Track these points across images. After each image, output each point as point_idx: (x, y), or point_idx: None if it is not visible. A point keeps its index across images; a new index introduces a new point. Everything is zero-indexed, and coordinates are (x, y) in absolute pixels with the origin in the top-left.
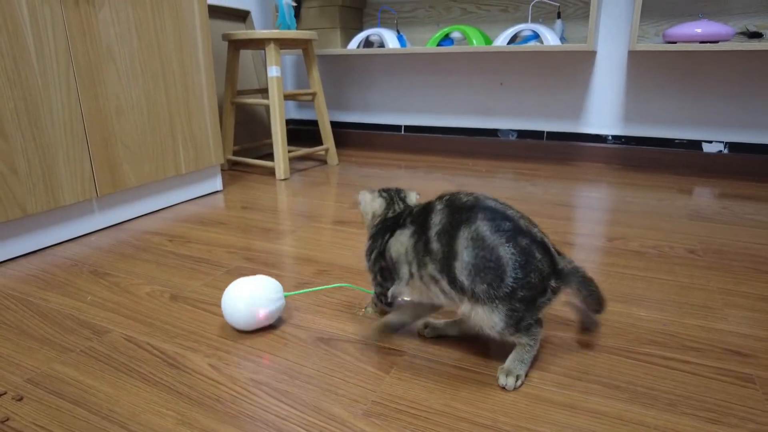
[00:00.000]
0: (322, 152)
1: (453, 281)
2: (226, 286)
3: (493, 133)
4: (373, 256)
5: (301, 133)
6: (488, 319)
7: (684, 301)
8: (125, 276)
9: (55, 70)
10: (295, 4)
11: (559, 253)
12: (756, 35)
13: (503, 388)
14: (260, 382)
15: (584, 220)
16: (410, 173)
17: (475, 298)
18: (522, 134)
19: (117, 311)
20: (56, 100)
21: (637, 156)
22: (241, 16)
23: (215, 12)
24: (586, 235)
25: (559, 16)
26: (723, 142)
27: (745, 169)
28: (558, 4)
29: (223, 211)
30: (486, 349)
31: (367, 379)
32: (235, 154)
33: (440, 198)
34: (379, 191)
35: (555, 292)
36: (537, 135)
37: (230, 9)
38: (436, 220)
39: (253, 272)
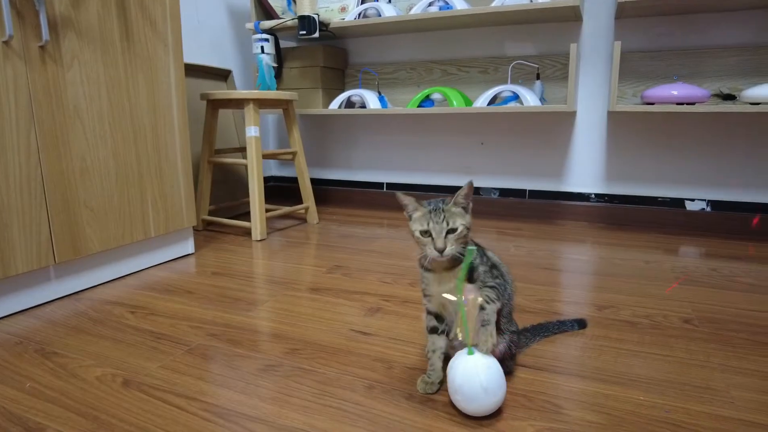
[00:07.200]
0: (302, 211)
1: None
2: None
3: (474, 191)
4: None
5: (282, 189)
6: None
7: (685, 382)
8: (75, 356)
9: (14, 131)
10: (275, 64)
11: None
12: (730, 97)
13: None
14: None
15: (571, 286)
16: (393, 231)
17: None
18: (504, 192)
19: (57, 401)
20: (13, 163)
21: (620, 214)
22: (222, 75)
23: (197, 71)
24: (574, 303)
25: (538, 78)
26: (705, 200)
27: (728, 226)
28: (537, 66)
29: (193, 277)
30: None
31: None
32: (211, 213)
33: None
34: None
35: None
36: (519, 193)
37: (212, 68)
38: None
39: (216, 351)
